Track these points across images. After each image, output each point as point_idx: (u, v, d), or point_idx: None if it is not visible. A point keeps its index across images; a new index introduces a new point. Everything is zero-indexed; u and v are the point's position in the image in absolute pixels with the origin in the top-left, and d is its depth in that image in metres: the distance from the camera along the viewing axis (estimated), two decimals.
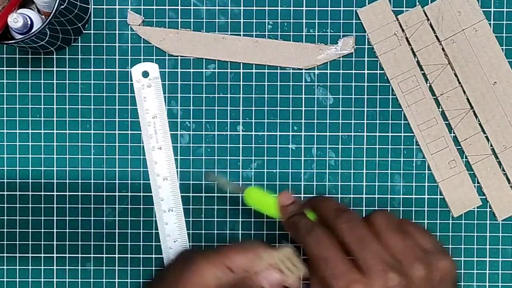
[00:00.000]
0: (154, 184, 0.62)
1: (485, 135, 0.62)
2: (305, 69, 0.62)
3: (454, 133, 0.62)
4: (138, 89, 0.62)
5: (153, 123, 0.62)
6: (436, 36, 0.62)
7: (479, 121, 0.62)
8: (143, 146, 0.62)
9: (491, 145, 0.62)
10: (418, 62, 0.62)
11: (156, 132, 0.62)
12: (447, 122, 0.62)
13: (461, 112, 0.62)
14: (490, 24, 0.62)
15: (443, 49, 0.62)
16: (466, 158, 0.62)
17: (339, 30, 0.62)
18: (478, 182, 0.62)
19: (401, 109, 0.62)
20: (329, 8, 0.62)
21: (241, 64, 0.62)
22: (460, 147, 0.62)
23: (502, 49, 0.62)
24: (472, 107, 0.62)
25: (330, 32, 0.62)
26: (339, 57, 0.62)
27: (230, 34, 0.62)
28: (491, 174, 0.62)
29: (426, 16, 0.62)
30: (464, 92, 0.62)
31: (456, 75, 0.62)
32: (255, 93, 0.62)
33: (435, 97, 0.62)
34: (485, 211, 0.62)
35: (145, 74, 0.62)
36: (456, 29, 0.62)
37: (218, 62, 0.62)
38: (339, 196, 0.62)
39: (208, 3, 0.62)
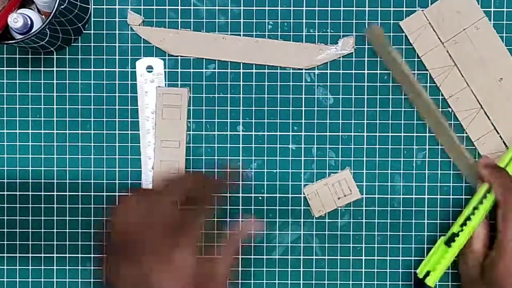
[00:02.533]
0: (145, 179, 0.62)
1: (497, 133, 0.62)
2: (305, 69, 0.62)
3: (466, 133, 0.62)
4: (140, 83, 0.62)
5: (152, 119, 0.62)
6: (440, 39, 0.62)
7: (489, 119, 0.62)
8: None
9: (504, 142, 0.62)
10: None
11: (153, 127, 0.62)
12: (458, 122, 0.62)
13: (471, 112, 0.62)
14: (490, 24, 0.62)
15: (447, 51, 0.62)
16: (480, 157, 0.62)
17: (339, 30, 0.62)
18: None
19: (401, 109, 0.62)
20: (329, 8, 0.62)
21: (241, 64, 0.62)
22: (474, 147, 0.62)
23: None
24: (481, 106, 0.62)
25: (330, 32, 0.62)
26: (339, 57, 0.62)
27: (230, 34, 0.62)
28: None
29: (428, 19, 0.62)
30: (472, 91, 0.62)
31: (462, 76, 0.62)
32: (255, 93, 0.62)
33: (442, 97, 0.62)
34: None
35: (150, 69, 0.62)
36: (457, 29, 0.61)
37: (218, 62, 0.62)
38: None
39: (208, 3, 0.62)
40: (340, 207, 0.62)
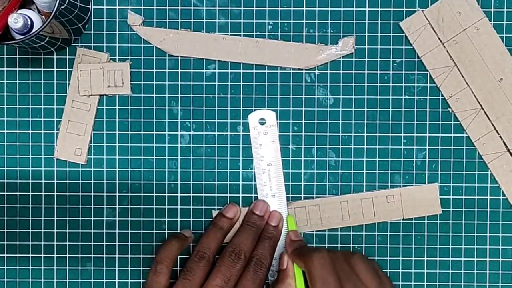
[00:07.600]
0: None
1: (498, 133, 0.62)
2: (305, 69, 0.62)
3: (466, 133, 0.62)
4: (254, 136, 0.62)
5: (268, 170, 0.62)
6: (440, 39, 0.62)
7: (489, 119, 0.62)
8: (143, 146, 0.63)
9: (504, 142, 0.62)
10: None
11: (270, 179, 0.62)
12: (458, 123, 0.62)
13: (471, 112, 0.62)
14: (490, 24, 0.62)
15: (447, 51, 0.62)
16: (481, 158, 0.62)
17: (339, 30, 0.62)
18: (495, 181, 0.62)
19: (401, 109, 0.62)
20: (329, 8, 0.62)
21: (241, 64, 0.62)
22: (474, 147, 0.62)
23: None
24: (482, 106, 0.62)
25: (330, 32, 0.62)
26: (339, 57, 0.62)
27: (230, 35, 0.62)
28: (508, 171, 0.62)
29: (428, 19, 0.62)
30: (473, 92, 0.62)
31: (462, 76, 0.62)
32: (255, 93, 0.62)
33: (442, 97, 0.62)
34: (485, 211, 0.62)
35: (262, 121, 0.62)
36: (457, 29, 0.62)
37: (218, 63, 0.63)
38: (339, 196, 0.62)
39: (208, 3, 0.62)
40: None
